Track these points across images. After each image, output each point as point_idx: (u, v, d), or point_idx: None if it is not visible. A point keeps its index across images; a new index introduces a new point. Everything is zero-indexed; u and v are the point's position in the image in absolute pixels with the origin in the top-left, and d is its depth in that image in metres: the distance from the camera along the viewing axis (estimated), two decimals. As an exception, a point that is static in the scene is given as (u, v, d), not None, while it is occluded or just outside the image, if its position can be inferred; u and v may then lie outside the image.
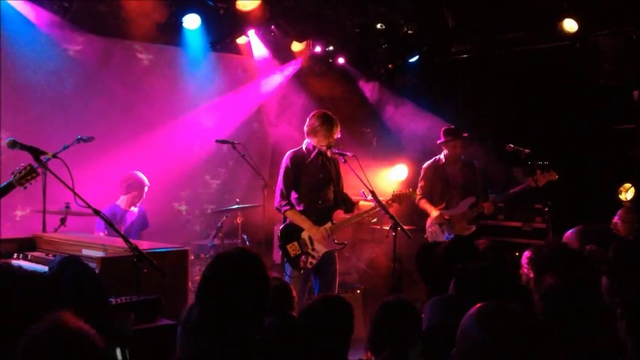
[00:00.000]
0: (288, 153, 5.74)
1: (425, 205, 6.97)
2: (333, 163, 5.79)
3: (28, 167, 4.30)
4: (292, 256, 5.57)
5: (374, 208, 5.68)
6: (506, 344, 1.83)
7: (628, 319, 2.01)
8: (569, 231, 4.77)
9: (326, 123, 5.57)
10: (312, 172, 5.68)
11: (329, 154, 5.67)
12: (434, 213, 6.82)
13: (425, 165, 7.14)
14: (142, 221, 6.78)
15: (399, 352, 2.60)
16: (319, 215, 5.68)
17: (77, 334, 2.04)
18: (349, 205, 5.91)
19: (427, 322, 2.56)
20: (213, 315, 2.40)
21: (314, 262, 5.61)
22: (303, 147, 5.71)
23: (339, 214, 5.88)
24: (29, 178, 4.35)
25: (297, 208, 5.65)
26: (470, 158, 7.21)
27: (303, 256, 5.57)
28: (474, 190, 6.92)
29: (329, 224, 5.69)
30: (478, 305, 1.97)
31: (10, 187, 4.32)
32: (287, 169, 5.65)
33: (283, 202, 5.62)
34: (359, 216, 5.85)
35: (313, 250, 5.62)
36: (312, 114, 5.72)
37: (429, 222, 6.91)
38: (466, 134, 7.04)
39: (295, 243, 5.60)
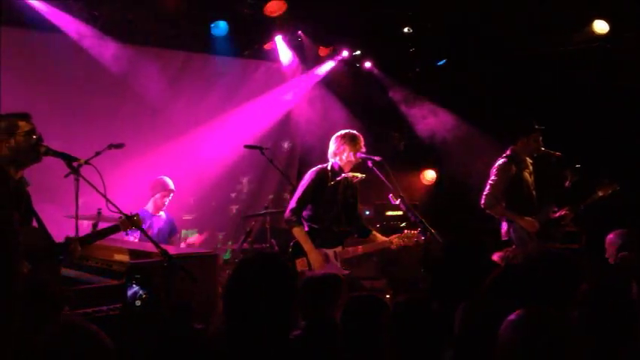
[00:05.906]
0: (315, 169, 5.65)
1: (510, 212, 6.02)
2: (351, 189, 5.73)
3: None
4: (299, 271, 5.44)
5: (385, 242, 5.67)
6: (548, 352, 1.79)
7: None
8: (612, 233, 4.67)
9: (347, 138, 5.53)
10: (332, 195, 5.59)
11: (352, 179, 5.61)
12: (528, 223, 5.93)
13: (501, 162, 6.14)
14: (170, 227, 6.81)
15: None
16: (331, 238, 5.61)
17: (90, 334, 2.17)
18: (363, 231, 5.87)
19: (459, 328, 2.52)
20: (240, 319, 2.42)
21: None
22: (328, 167, 5.63)
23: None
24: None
25: (313, 225, 5.57)
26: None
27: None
28: (540, 194, 6.23)
29: (339, 248, 5.64)
30: (517, 312, 1.92)
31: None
32: (309, 185, 5.56)
33: (294, 218, 5.51)
34: (372, 247, 5.82)
35: None
36: (332, 138, 5.64)
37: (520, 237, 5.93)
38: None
39: (304, 259, 5.51)
